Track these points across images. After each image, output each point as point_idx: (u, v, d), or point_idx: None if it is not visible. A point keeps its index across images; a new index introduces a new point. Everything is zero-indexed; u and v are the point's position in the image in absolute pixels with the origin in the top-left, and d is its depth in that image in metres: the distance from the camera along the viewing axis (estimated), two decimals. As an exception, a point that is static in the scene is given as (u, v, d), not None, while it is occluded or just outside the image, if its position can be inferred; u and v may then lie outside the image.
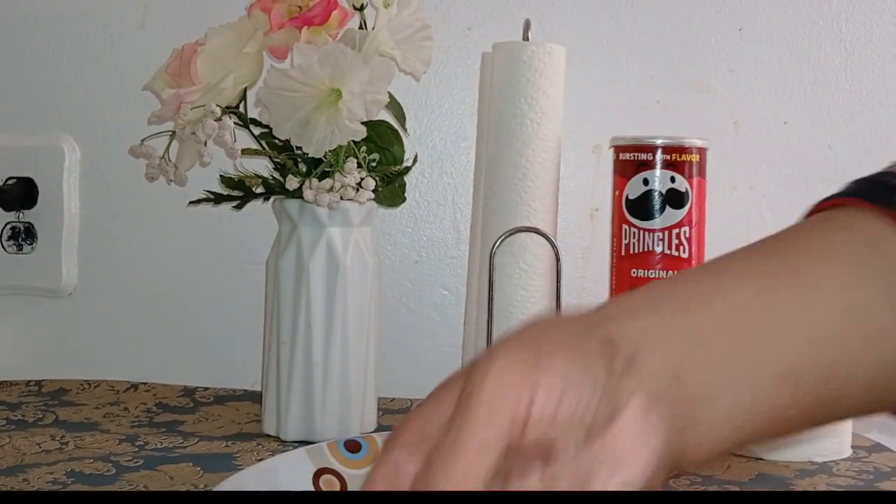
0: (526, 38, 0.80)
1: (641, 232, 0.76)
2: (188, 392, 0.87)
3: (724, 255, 0.37)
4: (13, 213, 0.91)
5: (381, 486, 0.33)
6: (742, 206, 0.89)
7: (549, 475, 0.31)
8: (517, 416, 0.31)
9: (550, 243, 0.77)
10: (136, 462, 0.67)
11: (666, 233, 0.76)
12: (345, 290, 0.73)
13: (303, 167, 0.72)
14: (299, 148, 0.70)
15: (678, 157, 0.76)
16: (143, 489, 0.61)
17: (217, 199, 0.76)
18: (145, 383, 0.88)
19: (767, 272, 0.36)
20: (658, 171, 0.76)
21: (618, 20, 0.88)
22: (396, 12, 0.72)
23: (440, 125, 0.90)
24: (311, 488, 0.54)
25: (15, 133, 0.93)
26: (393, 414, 0.82)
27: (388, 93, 0.70)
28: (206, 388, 0.88)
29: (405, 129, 0.78)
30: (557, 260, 0.77)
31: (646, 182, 0.76)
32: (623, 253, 0.77)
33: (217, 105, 0.70)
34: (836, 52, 0.89)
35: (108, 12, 0.92)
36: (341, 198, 0.71)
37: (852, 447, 0.75)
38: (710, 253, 0.79)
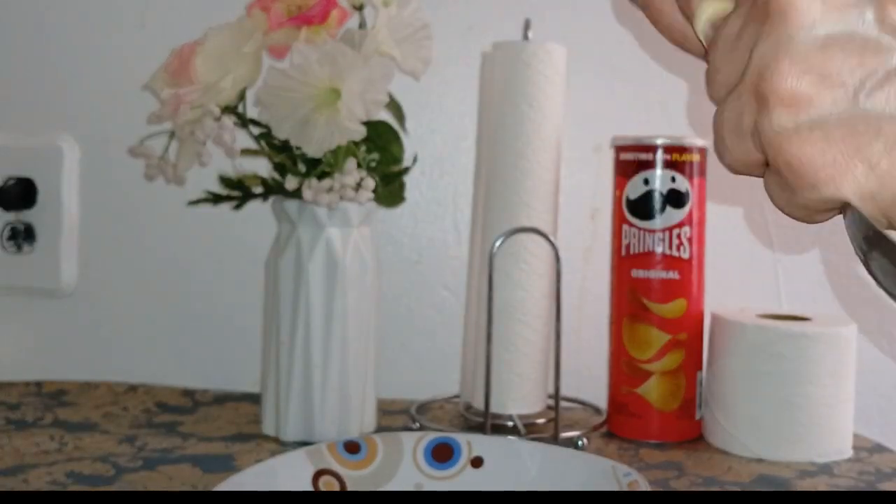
0: (526, 37, 0.80)
1: (642, 232, 0.76)
2: (188, 393, 0.87)
3: None
4: (12, 213, 0.91)
5: None
6: (743, 207, 0.88)
7: None
8: None
9: (550, 243, 0.77)
10: (135, 463, 0.67)
11: (666, 233, 0.76)
12: (344, 291, 0.73)
13: (302, 167, 0.72)
14: (298, 148, 0.70)
15: (679, 157, 0.76)
16: (143, 490, 0.61)
17: (216, 199, 0.76)
18: (145, 384, 0.88)
19: None
20: (659, 171, 0.76)
21: (618, 20, 0.88)
22: (396, 12, 0.72)
23: (440, 125, 0.90)
24: (310, 489, 0.54)
25: (14, 133, 0.92)
26: (393, 415, 0.81)
27: (388, 92, 0.70)
28: (206, 389, 0.88)
29: (405, 129, 0.78)
30: (557, 260, 0.76)
31: (646, 182, 0.76)
32: (623, 253, 0.77)
33: (216, 105, 0.70)
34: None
35: (108, 12, 0.92)
36: (341, 198, 0.70)
37: (853, 448, 0.75)
38: (711, 253, 0.79)
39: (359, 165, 0.71)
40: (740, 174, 0.38)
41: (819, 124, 0.33)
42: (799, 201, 0.35)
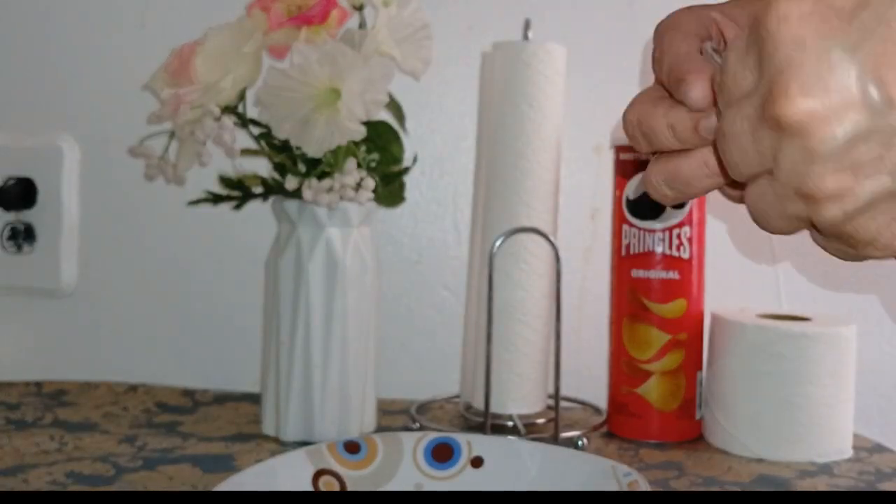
0: (526, 37, 0.80)
1: (642, 232, 0.76)
2: (188, 393, 0.87)
3: None
4: (12, 213, 0.91)
5: None
6: (743, 207, 0.88)
7: None
8: None
9: (550, 243, 0.77)
10: (135, 463, 0.67)
11: (666, 233, 0.76)
12: (344, 291, 0.73)
13: (302, 167, 0.72)
14: (298, 148, 0.70)
15: (679, 157, 0.76)
16: (143, 490, 0.61)
17: (216, 199, 0.76)
18: (145, 384, 0.88)
19: None
20: (658, 171, 0.76)
21: (617, 20, 0.88)
22: (396, 12, 0.72)
23: (440, 125, 0.90)
24: (310, 489, 0.54)
25: (14, 133, 0.92)
26: (393, 415, 0.81)
27: (388, 92, 0.70)
28: (206, 389, 0.88)
29: (405, 129, 0.78)
30: (557, 260, 0.76)
31: (646, 182, 0.76)
32: (623, 253, 0.77)
33: (216, 105, 0.70)
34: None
35: (108, 12, 0.92)
36: (341, 198, 0.70)
37: (853, 448, 0.75)
38: (711, 253, 0.79)
39: (359, 165, 0.71)
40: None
41: (867, 205, 0.36)
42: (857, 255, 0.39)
